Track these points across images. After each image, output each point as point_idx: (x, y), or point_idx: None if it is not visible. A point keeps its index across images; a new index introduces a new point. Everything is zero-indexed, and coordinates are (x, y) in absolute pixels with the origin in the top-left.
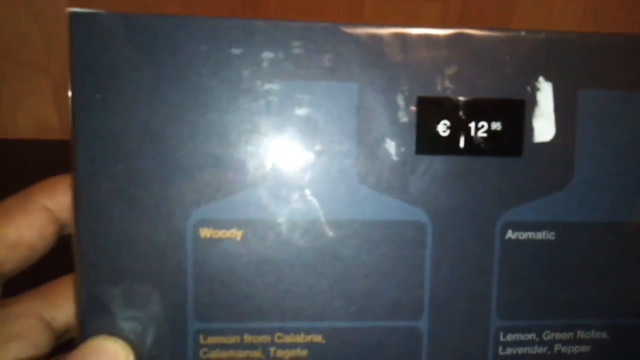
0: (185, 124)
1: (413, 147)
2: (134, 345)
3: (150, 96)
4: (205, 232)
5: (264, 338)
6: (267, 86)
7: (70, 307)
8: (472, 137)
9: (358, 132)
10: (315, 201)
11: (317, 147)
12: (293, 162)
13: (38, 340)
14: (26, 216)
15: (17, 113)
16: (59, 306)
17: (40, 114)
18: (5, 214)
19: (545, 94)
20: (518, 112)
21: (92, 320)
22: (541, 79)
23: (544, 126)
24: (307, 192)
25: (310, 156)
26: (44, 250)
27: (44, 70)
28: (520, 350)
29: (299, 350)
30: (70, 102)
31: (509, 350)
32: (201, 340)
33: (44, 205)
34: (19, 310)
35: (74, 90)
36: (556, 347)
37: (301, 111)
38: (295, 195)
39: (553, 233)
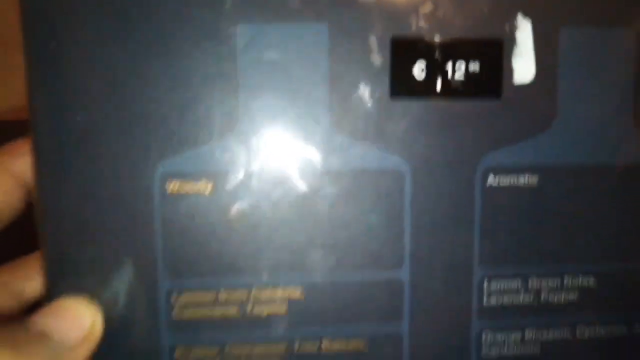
0: (147, 72)
1: (388, 92)
2: (104, 307)
3: (109, 43)
4: (173, 185)
5: (240, 294)
6: (231, 29)
7: (40, 280)
8: (449, 80)
9: (330, 76)
10: (288, 150)
11: (288, 94)
12: (263, 111)
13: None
14: None
15: None
16: (30, 279)
17: (17, 91)
18: None
19: (524, 32)
20: (496, 52)
21: (59, 283)
22: (519, 16)
23: (523, 66)
24: (279, 141)
25: (281, 103)
26: (10, 216)
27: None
28: (506, 298)
29: (277, 305)
30: (23, 52)
31: (494, 300)
32: (174, 299)
33: (8, 169)
34: None
35: (26, 39)
36: (543, 295)
37: (269, 55)
38: (267, 145)
39: (536, 176)
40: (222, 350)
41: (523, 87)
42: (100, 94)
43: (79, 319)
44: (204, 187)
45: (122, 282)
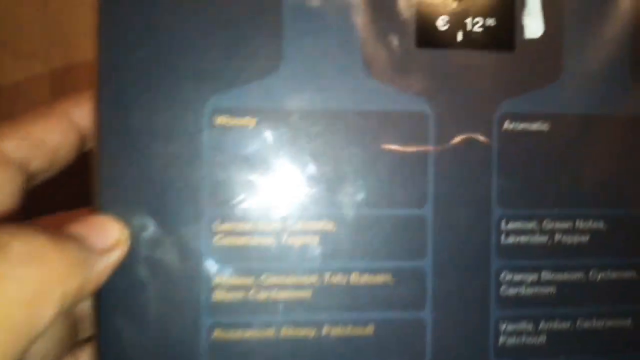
0: (202, 11)
1: (414, 41)
2: (149, 232)
3: None
4: (220, 120)
5: (275, 225)
6: None
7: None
8: (469, 32)
9: (363, 27)
10: (324, 91)
11: (326, 41)
12: (303, 54)
13: None
14: (49, 120)
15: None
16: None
17: (38, 101)
18: (31, 117)
19: None
20: (509, 9)
21: (109, 206)
22: None
23: (532, 23)
24: (317, 82)
25: (320, 49)
26: (65, 158)
27: (41, 60)
28: (522, 238)
29: (310, 237)
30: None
31: (511, 239)
32: (216, 226)
33: (69, 113)
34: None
35: None
36: (556, 237)
37: (312, 3)
38: (306, 85)
39: (547, 124)
40: (258, 278)
41: (533, 42)
42: (158, 33)
43: (108, 231)
44: (249, 122)
45: (166, 213)
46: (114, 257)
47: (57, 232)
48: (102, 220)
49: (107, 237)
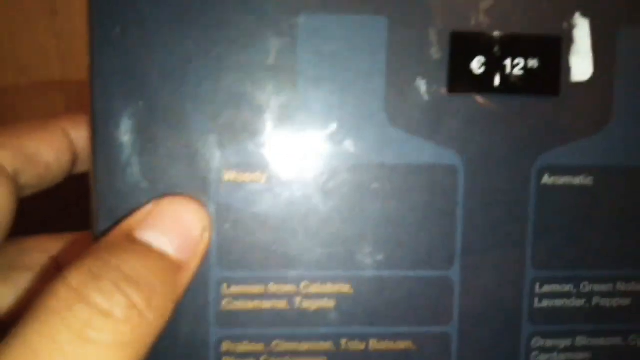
0: (207, 60)
1: (445, 86)
2: None
3: (171, 30)
4: (229, 175)
5: (290, 288)
6: (292, 20)
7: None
8: (507, 75)
9: (388, 69)
10: (342, 143)
11: (345, 86)
12: (320, 102)
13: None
14: (46, 135)
15: None
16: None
17: None
18: (27, 129)
19: (582, 30)
20: (554, 49)
21: None
22: (577, 14)
23: (581, 64)
24: (334, 133)
25: (337, 95)
26: (57, 175)
27: (58, 86)
28: (558, 302)
29: (325, 300)
30: (88, 37)
31: (545, 303)
32: (224, 289)
33: (65, 130)
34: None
35: (92, 24)
36: (594, 300)
37: (328, 47)
38: (322, 137)
39: (591, 178)
40: (269, 345)
41: (580, 86)
42: (161, 82)
43: (194, 227)
44: (259, 177)
45: None
46: (201, 258)
47: (125, 245)
48: (178, 209)
49: (191, 235)
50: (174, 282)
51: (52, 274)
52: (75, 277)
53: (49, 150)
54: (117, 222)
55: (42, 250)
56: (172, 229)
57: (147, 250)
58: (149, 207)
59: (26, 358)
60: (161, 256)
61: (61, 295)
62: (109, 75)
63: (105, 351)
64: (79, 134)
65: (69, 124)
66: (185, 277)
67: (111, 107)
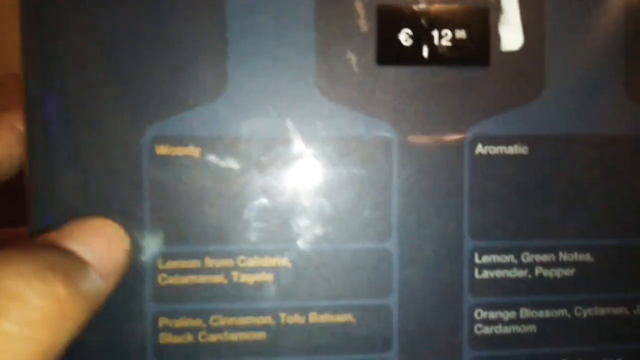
0: (140, 34)
1: (374, 58)
2: None
3: (103, 5)
4: (161, 149)
5: (226, 262)
6: None
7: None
8: (435, 46)
9: (317, 42)
10: (276, 116)
11: (276, 60)
12: (252, 76)
13: None
14: None
15: None
16: None
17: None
18: None
19: (510, 0)
20: (483, 20)
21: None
22: None
23: (511, 34)
24: (268, 107)
25: (269, 70)
26: (8, 171)
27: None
28: (499, 273)
29: (263, 274)
30: (18, 14)
31: (485, 273)
32: (160, 265)
33: (13, 125)
34: None
35: (22, 1)
36: (537, 270)
37: (258, 21)
38: (256, 110)
39: (525, 147)
40: (207, 320)
41: (511, 55)
42: (92, 57)
43: (115, 243)
44: (193, 151)
45: None
46: (120, 276)
47: (53, 254)
48: (103, 226)
49: (113, 253)
50: (94, 290)
51: None
52: None
53: None
54: (54, 202)
55: None
56: (98, 245)
57: (70, 253)
58: (75, 224)
59: None
60: (82, 261)
61: None
62: (40, 53)
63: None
64: None
65: (15, 117)
66: (102, 291)
67: (43, 86)
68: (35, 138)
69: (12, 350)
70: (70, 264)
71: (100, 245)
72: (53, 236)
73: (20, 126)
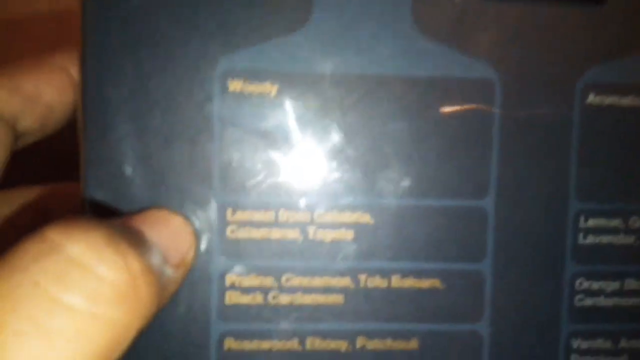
0: None
1: None
2: None
3: None
4: (234, 85)
5: (302, 215)
6: None
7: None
8: None
9: None
10: (365, 53)
11: None
12: (339, 6)
13: None
14: (45, 73)
15: None
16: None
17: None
18: (23, 69)
19: None
20: None
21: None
22: None
23: None
24: (355, 41)
25: (360, 2)
26: (59, 119)
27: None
28: (604, 238)
29: (342, 231)
30: None
31: (590, 239)
32: (228, 215)
33: (65, 67)
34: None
35: None
36: None
37: None
38: (341, 44)
39: None
40: (279, 279)
41: None
42: None
43: (181, 236)
44: (269, 88)
45: (174, 195)
46: (185, 271)
47: (120, 225)
48: (173, 219)
49: (180, 244)
50: (165, 276)
51: (36, 226)
52: (53, 229)
53: (49, 89)
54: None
55: (27, 201)
56: (165, 235)
57: (142, 233)
58: (141, 213)
59: None
60: (153, 243)
61: (32, 246)
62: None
63: (73, 318)
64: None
65: (68, 59)
66: (173, 281)
67: (104, 12)
68: (94, 69)
69: (75, 327)
70: (142, 242)
71: (167, 235)
72: (120, 219)
73: (73, 70)
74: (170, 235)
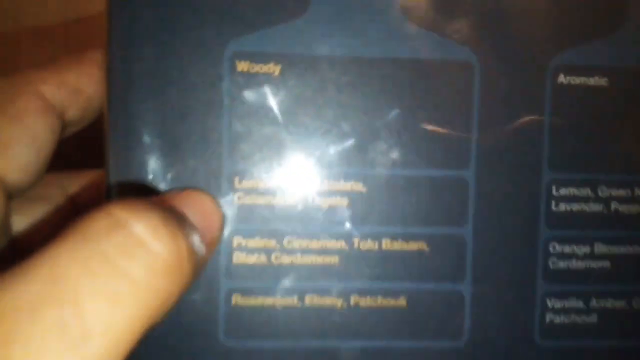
0: None
1: None
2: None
3: None
4: (242, 65)
5: (302, 183)
6: None
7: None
8: None
9: None
10: (356, 36)
11: None
12: None
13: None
14: (84, 67)
15: None
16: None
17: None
18: (63, 64)
19: None
20: None
21: (122, 168)
22: None
23: None
24: (349, 26)
25: None
26: (98, 108)
27: (61, 40)
28: (575, 206)
29: (338, 198)
30: None
31: (562, 206)
32: (236, 183)
33: (99, 62)
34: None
35: None
36: (612, 205)
37: None
38: (337, 29)
39: (606, 79)
40: (281, 241)
41: None
42: None
43: (213, 216)
44: (272, 68)
45: (186, 170)
46: (213, 249)
47: (168, 206)
48: (206, 200)
49: (212, 225)
50: (201, 255)
51: (66, 209)
52: (118, 207)
53: (89, 82)
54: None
55: (59, 185)
56: (200, 214)
57: (184, 214)
58: (176, 191)
59: (53, 279)
60: (193, 224)
61: (100, 221)
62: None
63: (135, 287)
64: None
65: (101, 56)
66: (205, 259)
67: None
68: (117, 52)
69: (135, 295)
70: (186, 224)
71: (203, 216)
72: (162, 197)
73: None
74: (205, 216)
